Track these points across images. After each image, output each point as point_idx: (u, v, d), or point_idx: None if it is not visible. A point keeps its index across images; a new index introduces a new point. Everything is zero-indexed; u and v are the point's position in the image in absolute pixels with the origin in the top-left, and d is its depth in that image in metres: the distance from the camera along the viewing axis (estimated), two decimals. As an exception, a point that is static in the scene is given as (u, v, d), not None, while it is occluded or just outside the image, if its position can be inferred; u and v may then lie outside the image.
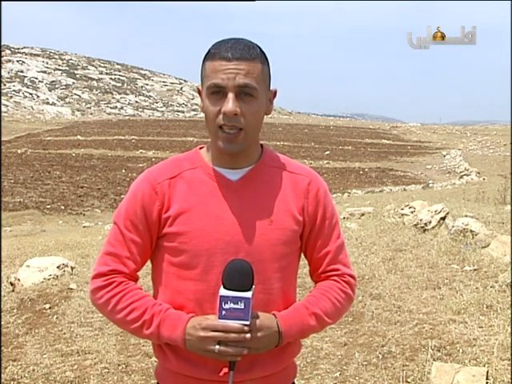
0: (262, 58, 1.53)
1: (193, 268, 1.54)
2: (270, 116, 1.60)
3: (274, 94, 1.60)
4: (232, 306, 1.41)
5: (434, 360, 3.60)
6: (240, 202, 1.55)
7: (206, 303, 1.52)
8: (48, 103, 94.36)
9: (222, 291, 1.42)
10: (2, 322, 5.17)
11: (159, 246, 1.59)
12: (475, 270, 5.48)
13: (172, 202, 1.55)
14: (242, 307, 1.41)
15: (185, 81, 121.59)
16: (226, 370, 1.50)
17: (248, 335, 1.42)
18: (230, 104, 1.46)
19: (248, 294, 1.41)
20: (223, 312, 1.42)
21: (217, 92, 1.49)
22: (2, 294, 6.14)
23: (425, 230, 7.47)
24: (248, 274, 1.43)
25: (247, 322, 1.42)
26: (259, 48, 1.54)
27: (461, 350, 3.71)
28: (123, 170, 34.47)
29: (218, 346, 1.43)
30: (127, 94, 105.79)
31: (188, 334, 1.47)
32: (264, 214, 1.56)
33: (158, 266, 1.61)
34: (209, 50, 1.53)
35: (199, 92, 1.58)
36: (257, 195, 1.57)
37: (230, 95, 1.47)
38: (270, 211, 1.56)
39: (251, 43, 1.53)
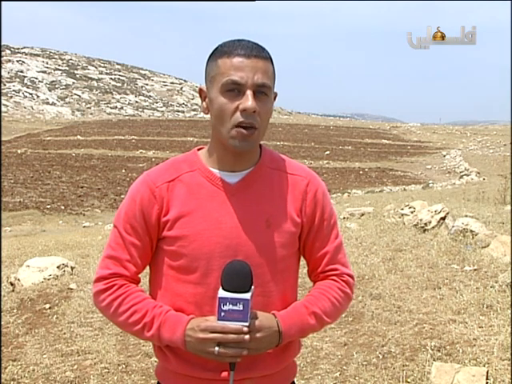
0: (271, 59, 1.55)
1: (192, 272, 1.54)
2: (269, 116, 1.60)
3: (275, 96, 1.61)
4: (231, 307, 1.41)
5: (434, 360, 3.60)
6: (239, 206, 1.55)
7: (206, 306, 1.52)
8: (48, 103, 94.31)
9: (221, 293, 1.42)
10: (2, 322, 5.17)
11: (158, 249, 1.59)
12: (475, 270, 5.48)
13: (171, 206, 1.55)
14: (241, 308, 1.41)
15: (185, 81, 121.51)
16: (226, 370, 1.50)
17: (247, 336, 1.42)
18: (250, 101, 1.47)
19: (247, 296, 1.41)
20: (222, 313, 1.41)
21: (232, 89, 1.48)
22: (2, 293, 6.14)
23: (425, 230, 7.47)
24: (247, 275, 1.43)
25: (246, 324, 1.41)
26: None
27: (461, 350, 3.71)
28: (123, 170, 34.44)
29: (217, 348, 1.43)
30: (127, 94, 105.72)
31: (188, 336, 1.47)
32: (262, 217, 1.56)
33: (157, 269, 1.61)
34: (218, 49, 1.53)
35: (201, 92, 1.57)
36: (255, 198, 1.57)
37: (249, 92, 1.47)
38: (269, 214, 1.57)
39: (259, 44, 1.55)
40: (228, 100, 1.48)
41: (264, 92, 1.50)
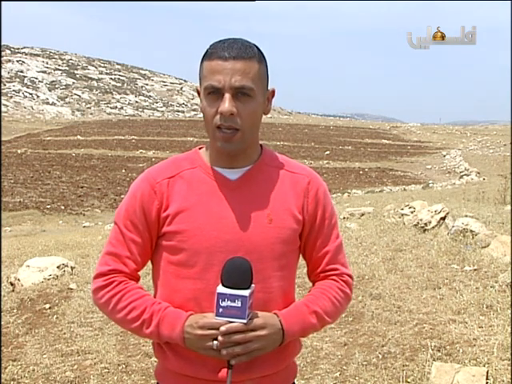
0: (259, 57, 1.54)
1: (191, 266, 1.54)
2: (269, 116, 1.60)
3: (273, 93, 1.61)
4: (229, 303, 1.41)
5: (433, 360, 3.60)
6: (239, 201, 1.56)
7: (205, 302, 1.52)
8: (48, 103, 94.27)
9: (220, 288, 1.43)
10: (2, 322, 5.17)
11: (158, 245, 1.59)
12: (475, 270, 5.48)
13: (171, 201, 1.56)
14: (239, 305, 1.41)
15: (185, 81, 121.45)
16: (225, 369, 1.49)
17: (248, 334, 1.43)
18: (226, 104, 1.48)
19: (245, 293, 1.41)
20: (220, 309, 1.42)
21: (213, 92, 1.50)
22: (2, 293, 6.14)
23: (425, 230, 7.47)
24: (246, 272, 1.43)
25: (244, 321, 1.42)
26: (256, 47, 1.54)
27: (461, 350, 3.71)
28: (123, 170, 34.43)
29: (215, 342, 1.44)
30: (127, 94, 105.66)
31: (186, 333, 1.48)
32: (263, 212, 1.56)
33: (157, 265, 1.61)
34: (206, 51, 1.54)
35: (198, 92, 1.59)
36: (256, 194, 1.58)
37: (227, 96, 1.48)
38: (270, 210, 1.57)
39: (248, 43, 1.54)
40: (210, 103, 1.51)
41: (246, 93, 1.50)
